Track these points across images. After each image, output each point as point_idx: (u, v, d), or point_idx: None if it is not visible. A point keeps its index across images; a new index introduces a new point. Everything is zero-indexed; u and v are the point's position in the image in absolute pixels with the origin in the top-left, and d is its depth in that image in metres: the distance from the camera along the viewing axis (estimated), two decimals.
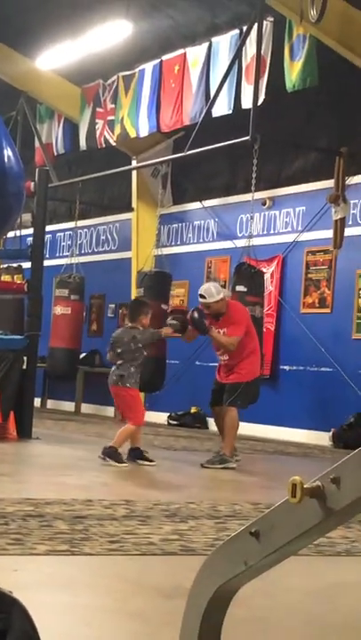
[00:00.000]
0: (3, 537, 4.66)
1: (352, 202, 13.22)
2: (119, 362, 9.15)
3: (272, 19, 12.95)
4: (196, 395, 15.32)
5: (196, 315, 9.55)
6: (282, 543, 2.17)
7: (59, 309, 16.36)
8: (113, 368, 9.32)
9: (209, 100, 13.63)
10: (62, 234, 20.05)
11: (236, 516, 5.95)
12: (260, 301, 12.62)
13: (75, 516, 5.47)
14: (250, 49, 13.13)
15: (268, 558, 2.23)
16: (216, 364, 10.10)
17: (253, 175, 12.87)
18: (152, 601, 3.80)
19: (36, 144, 18.68)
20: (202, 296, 9.58)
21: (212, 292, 9.56)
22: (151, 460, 9.16)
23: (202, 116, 13.61)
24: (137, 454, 9.16)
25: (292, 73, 12.90)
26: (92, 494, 6.51)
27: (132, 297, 15.82)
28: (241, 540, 2.27)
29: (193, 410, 15.71)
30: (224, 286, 15.34)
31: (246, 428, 14.50)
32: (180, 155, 14.23)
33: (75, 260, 17.03)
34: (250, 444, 12.78)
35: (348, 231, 13.14)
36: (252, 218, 13.63)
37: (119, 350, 9.16)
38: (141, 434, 9.55)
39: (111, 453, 8.81)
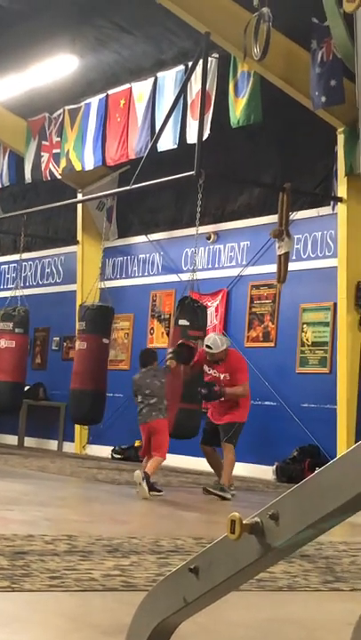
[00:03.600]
0: None
1: (296, 236, 13.35)
2: (152, 401, 9.86)
3: (217, 55, 13.09)
4: (139, 429, 15.26)
5: (205, 391, 10.45)
6: (221, 579, 2.18)
7: (3, 342, 16.24)
8: (144, 409, 9.93)
9: (154, 135, 13.70)
10: (7, 266, 19.97)
11: (178, 551, 5.93)
12: (203, 335, 12.64)
13: (15, 551, 5.41)
14: (195, 84, 13.24)
15: (207, 594, 2.23)
16: None
17: (198, 209, 12.95)
18: (92, 638, 3.76)
19: None
20: (209, 347, 10.48)
21: (218, 343, 10.49)
22: (160, 490, 9.77)
23: (147, 150, 13.68)
24: (150, 487, 9.58)
25: (237, 109, 13.03)
26: (34, 529, 6.44)
27: (77, 330, 15.80)
28: (180, 576, 2.27)
29: (137, 443, 15.64)
30: (168, 319, 15.41)
31: (188, 462, 14.50)
32: (125, 188, 14.27)
33: (19, 292, 16.95)
34: (193, 478, 12.77)
35: (292, 266, 13.24)
36: (196, 252, 13.70)
37: (147, 392, 9.89)
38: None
39: (147, 480, 9.43)
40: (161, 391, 9.92)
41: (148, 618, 2.35)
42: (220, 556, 2.19)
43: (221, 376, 10.51)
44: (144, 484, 9.34)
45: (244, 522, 2.08)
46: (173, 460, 14.65)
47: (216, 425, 10.50)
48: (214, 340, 10.61)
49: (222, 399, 10.46)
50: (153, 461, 9.74)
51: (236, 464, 13.10)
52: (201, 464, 14.21)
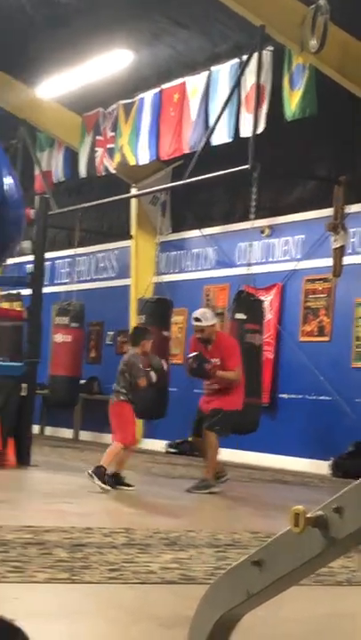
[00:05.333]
0: (3, 565, 4.65)
1: (351, 230, 13.26)
2: (115, 383, 9.35)
3: (272, 48, 13.04)
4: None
5: (195, 365, 9.75)
6: (284, 573, 2.18)
7: (59, 337, 16.36)
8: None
9: (208, 129, 13.70)
10: (61, 261, 20.08)
11: (235, 545, 5.94)
12: (260, 329, 12.64)
13: (74, 543, 5.46)
14: (249, 78, 13.21)
15: (270, 588, 2.23)
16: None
17: (253, 203, 12.93)
18: (152, 630, 3.79)
19: (36, 172, 18.75)
20: (197, 319, 9.85)
21: (207, 316, 9.88)
22: (130, 485, 9.17)
23: (201, 144, 13.67)
24: (116, 481, 9.12)
25: (292, 102, 12.98)
26: (92, 522, 6.50)
27: (131, 324, 15.85)
28: (243, 569, 2.28)
29: (190, 438, 15.66)
30: (223, 314, 15.40)
31: (244, 456, 14.50)
32: (179, 182, 14.28)
33: (74, 287, 17.06)
34: (248, 473, 12.76)
35: (347, 259, 13.19)
36: (250, 246, 13.68)
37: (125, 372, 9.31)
38: (128, 458, 9.54)
39: (98, 473, 8.85)
40: (120, 377, 9.22)
41: (211, 610, 2.36)
42: (283, 550, 2.19)
43: (212, 360, 9.74)
44: (96, 481, 8.77)
45: (307, 515, 2.09)
46: (229, 455, 14.68)
47: (205, 414, 9.82)
48: (203, 312, 10.05)
49: (211, 382, 9.81)
50: (108, 450, 9.15)
51: (291, 458, 13.08)
52: (255, 458, 14.22)
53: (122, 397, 9.20)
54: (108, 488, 8.81)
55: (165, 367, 9.44)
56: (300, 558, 2.13)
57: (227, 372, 9.74)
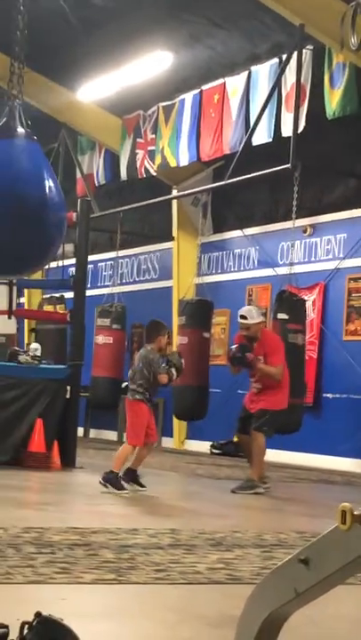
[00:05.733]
0: (50, 566, 4.68)
1: None
2: (130, 381, 9.13)
3: (312, 47, 13.01)
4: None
5: (238, 354, 9.66)
6: (332, 570, 2.18)
7: (101, 339, 16.43)
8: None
9: (249, 129, 13.69)
10: (104, 264, 20.16)
11: (282, 545, 5.93)
12: (302, 329, 12.61)
13: (120, 545, 5.48)
14: (289, 77, 13.19)
15: (318, 586, 2.23)
16: None
17: (294, 203, 12.90)
18: (200, 630, 3.80)
19: (78, 175, 18.84)
20: (243, 317, 9.81)
21: (253, 313, 9.86)
22: (143, 486, 8.93)
23: (242, 144, 13.66)
24: (131, 476, 8.90)
25: (333, 101, 12.93)
26: (137, 523, 6.52)
27: (174, 325, 15.88)
28: (291, 567, 2.28)
29: (235, 438, 15.65)
30: (265, 314, 15.36)
31: (289, 457, 14.46)
32: (220, 183, 14.28)
33: (116, 289, 17.11)
34: (293, 473, 12.72)
35: None
36: (293, 245, 13.64)
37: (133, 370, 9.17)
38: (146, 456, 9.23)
39: (110, 479, 8.61)
40: (136, 374, 8.97)
41: (258, 608, 2.36)
42: (330, 547, 2.19)
43: (260, 359, 9.71)
44: (111, 489, 8.51)
45: (355, 512, 2.08)
46: (273, 455, 14.63)
47: (249, 412, 9.77)
48: (249, 309, 10.05)
49: (256, 380, 9.75)
50: (118, 453, 8.90)
51: (337, 458, 13.02)
52: (300, 458, 14.17)
53: (137, 396, 8.90)
54: (127, 492, 8.60)
55: (183, 363, 9.29)
56: (347, 556, 2.13)
57: (268, 366, 9.67)
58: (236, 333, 10.51)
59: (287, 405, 9.92)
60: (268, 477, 10.02)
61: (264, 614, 2.33)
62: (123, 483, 8.65)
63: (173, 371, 8.98)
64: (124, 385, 16.93)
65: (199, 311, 14.65)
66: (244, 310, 10.01)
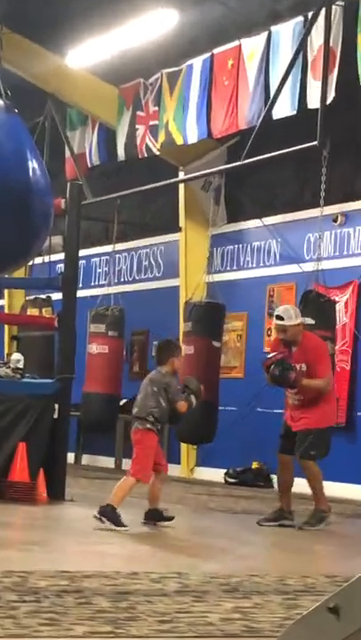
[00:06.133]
0: (34, 616, 4.69)
1: None
2: (135, 409, 9.32)
3: (342, 2, 13.02)
4: (257, 447, 15.27)
5: (277, 372, 9.74)
6: None
7: (95, 348, 16.46)
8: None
9: (269, 100, 13.70)
10: (98, 259, 20.19)
11: (309, 592, 5.93)
12: (332, 336, 12.62)
13: (118, 591, 5.49)
14: (316, 39, 13.19)
15: (349, 638, 2.24)
16: (282, 410, 10.17)
17: (323, 187, 12.91)
18: None
19: (67, 154, 18.88)
20: (279, 317, 9.92)
21: (290, 313, 9.94)
22: (170, 518, 9.18)
23: (261, 118, 13.68)
24: (155, 516, 9.19)
25: None
26: (138, 566, 6.53)
27: (181, 332, 15.90)
28: (318, 617, 2.29)
29: (255, 465, 15.69)
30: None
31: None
32: (235, 164, 14.30)
33: (113, 289, 17.14)
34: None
35: None
36: (321, 237, 13.65)
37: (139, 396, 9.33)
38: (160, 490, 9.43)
39: (108, 513, 8.69)
40: (148, 400, 9.13)
41: None
42: None
43: (297, 366, 9.81)
44: (108, 524, 8.60)
45: None
46: (297, 485, 14.63)
47: (292, 431, 9.86)
48: (286, 309, 10.11)
49: (296, 392, 9.83)
50: (118, 486, 9.00)
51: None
52: (332, 488, 14.16)
53: (148, 426, 9.06)
54: (126, 528, 8.66)
55: (202, 389, 9.49)
56: None
57: (314, 380, 9.77)
58: (273, 337, 10.51)
59: (335, 420, 10.12)
60: (293, 516, 10.05)
61: None
62: (122, 520, 8.70)
63: (193, 398, 9.20)
64: (122, 402, 17.03)
65: (208, 316, 14.69)
66: (280, 310, 10.12)
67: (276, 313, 10.11)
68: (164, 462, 9.48)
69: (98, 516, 8.67)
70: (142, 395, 9.24)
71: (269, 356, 10.10)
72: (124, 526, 8.65)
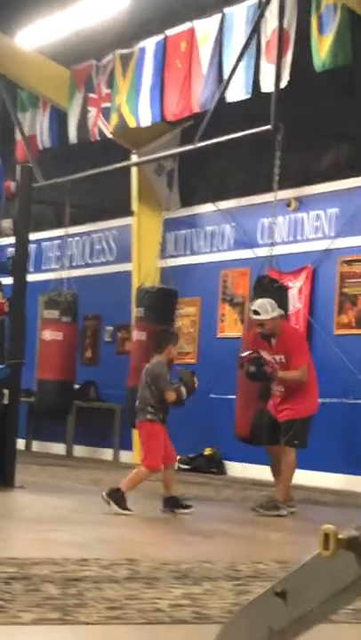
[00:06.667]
0: None
1: None
2: (137, 401, 9.67)
3: None
4: (210, 433, 15.31)
5: (253, 369, 10.05)
6: (313, 604, 2.19)
7: (48, 334, 16.39)
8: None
9: (222, 83, 13.69)
10: (49, 243, 20.10)
11: (259, 577, 5.95)
12: (286, 321, 12.63)
13: (67, 578, 5.47)
14: (270, 21, 13.20)
15: (297, 623, 2.24)
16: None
17: (276, 171, 12.92)
18: None
19: (17, 137, 18.77)
20: (256, 312, 10.11)
21: (267, 308, 10.10)
22: (189, 506, 9.62)
23: (214, 101, 13.66)
24: (173, 503, 9.57)
25: (321, 50, 12.96)
26: (88, 552, 6.51)
27: (134, 317, 15.87)
28: (265, 601, 2.29)
29: (207, 451, 15.71)
30: (242, 304, 15.41)
31: (270, 473, 14.49)
32: (188, 148, 14.28)
33: (65, 273, 17.07)
34: (274, 492, 12.75)
35: None
36: (275, 222, 13.67)
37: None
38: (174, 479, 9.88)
39: (116, 497, 9.04)
40: (145, 391, 9.47)
41: None
42: (311, 577, 2.20)
43: (277, 357, 10.09)
44: (113, 507, 8.99)
45: (339, 536, 2.10)
46: (251, 472, 14.68)
47: (277, 421, 10.17)
48: (262, 303, 10.22)
49: (277, 383, 10.12)
50: (133, 474, 9.43)
51: (325, 474, 13.11)
52: None
53: (148, 416, 9.41)
54: (131, 512, 9.04)
55: (197, 384, 9.70)
56: (331, 587, 2.14)
57: (290, 372, 10.03)
58: (251, 331, 10.76)
59: (317, 408, 10.36)
60: (293, 500, 10.41)
61: None
62: (129, 507, 9.09)
63: (183, 389, 9.42)
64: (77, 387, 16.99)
65: (161, 302, 14.67)
66: (256, 305, 10.27)
67: (252, 308, 10.27)
68: (174, 452, 9.89)
69: (105, 497, 9.04)
70: (141, 386, 9.58)
71: (243, 354, 10.34)
72: (129, 510, 8.98)
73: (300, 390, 10.10)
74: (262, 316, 10.04)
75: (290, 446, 10.04)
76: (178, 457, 15.93)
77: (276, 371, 10.00)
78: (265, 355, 10.14)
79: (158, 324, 14.12)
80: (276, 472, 10.40)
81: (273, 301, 10.50)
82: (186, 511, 9.53)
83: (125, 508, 8.99)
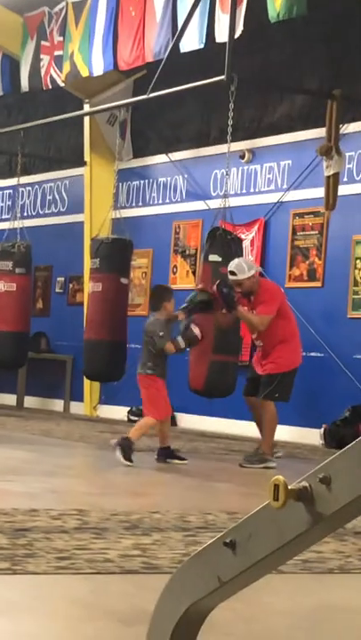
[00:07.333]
0: None
1: (348, 154, 13.24)
2: (141, 354, 10.13)
3: None
4: None
5: (225, 289, 10.29)
6: (262, 555, 2.19)
7: (1, 285, 16.26)
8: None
9: (176, 32, 13.58)
10: (1, 193, 19.95)
11: (209, 528, 5.98)
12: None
13: (16, 528, 5.48)
14: None
15: (245, 573, 2.24)
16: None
17: (230, 122, 12.85)
18: (108, 627, 3.82)
19: None
20: (232, 272, 10.41)
21: (243, 267, 10.44)
22: (183, 459, 9.99)
23: (168, 51, 13.55)
24: (167, 453, 9.92)
25: (276, 1, 12.87)
26: (38, 503, 6.52)
27: (86, 268, 15.80)
28: (214, 551, 2.29)
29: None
30: (194, 256, 15.40)
31: (221, 425, 14.57)
32: (141, 98, 14.17)
33: (17, 224, 16.94)
34: (225, 444, 12.83)
35: (343, 189, 13.17)
36: (227, 174, 13.62)
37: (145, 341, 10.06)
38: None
39: (124, 445, 9.43)
40: (143, 349, 10.01)
41: (175, 601, 2.37)
42: (260, 528, 2.20)
43: (247, 309, 10.52)
44: (118, 453, 9.43)
45: (289, 487, 2.09)
46: (202, 423, 14.74)
47: (258, 375, 10.52)
48: (238, 264, 10.55)
49: (256, 337, 10.53)
50: (139, 423, 9.97)
51: (279, 427, 13.16)
52: (235, 427, 14.28)
53: (149, 371, 9.85)
54: (130, 464, 9.37)
55: (199, 335, 10.09)
56: (280, 538, 2.14)
57: (251, 314, 10.35)
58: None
59: (299, 362, 10.64)
60: (276, 446, 10.78)
61: (182, 608, 2.34)
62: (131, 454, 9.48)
63: (180, 339, 9.90)
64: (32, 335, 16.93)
65: (116, 252, 14.57)
66: (232, 265, 10.52)
67: (228, 268, 10.51)
68: (169, 408, 10.19)
69: (115, 445, 9.46)
70: (143, 342, 10.04)
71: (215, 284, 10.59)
72: (131, 462, 9.36)
73: (280, 344, 10.40)
74: (239, 276, 10.35)
75: (269, 400, 10.29)
76: (129, 408, 16.00)
77: (239, 305, 10.32)
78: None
79: (114, 275, 14.08)
80: (258, 423, 10.70)
81: (249, 261, 10.95)
82: (180, 462, 9.89)
83: (129, 459, 9.37)
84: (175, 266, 16.20)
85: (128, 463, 9.37)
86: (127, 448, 9.44)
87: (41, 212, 18.99)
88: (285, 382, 10.42)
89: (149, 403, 9.93)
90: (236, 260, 10.73)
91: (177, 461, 9.91)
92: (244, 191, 15.05)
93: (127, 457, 9.39)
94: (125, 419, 15.89)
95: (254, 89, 14.23)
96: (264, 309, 10.37)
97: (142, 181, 16.97)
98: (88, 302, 14.76)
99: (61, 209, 18.63)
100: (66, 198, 18.54)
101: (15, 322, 16.12)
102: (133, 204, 17.03)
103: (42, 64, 16.80)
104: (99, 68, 15.60)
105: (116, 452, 9.41)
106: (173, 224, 16.26)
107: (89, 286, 14.75)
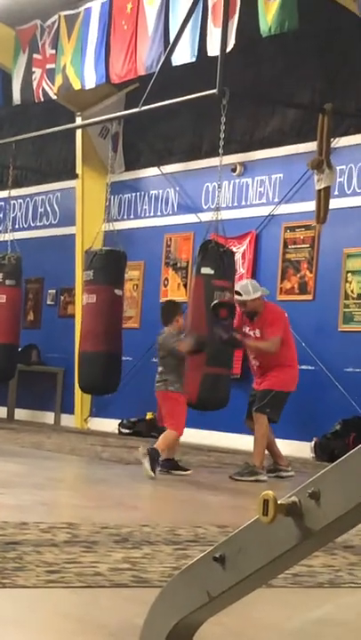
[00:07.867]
0: None
1: (339, 168, 13.27)
2: (159, 369, 10.30)
3: None
4: (152, 398, 15.26)
5: (225, 336, 10.41)
6: (251, 570, 2.19)
7: None
8: (156, 375, 10.40)
9: (168, 46, 13.61)
10: None
11: (199, 542, 5.98)
12: (230, 286, 12.60)
13: (6, 541, 5.47)
14: None
15: (235, 588, 2.24)
16: None
17: (221, 136, 12.87)
18: None
19: None
20: (238, 293, 10.65)
21: (248, 289, 10.66)
22: (187, 469, 10.20)
23: (160, 64, 13.59)
24: (171, 465, 10.11)
25: (268, 14, 12.90)
26: (28, 516, 6.51)
27: (77, 280, 15.81)
28: (203, 566, 2.29)
29: (149, 416, 15.71)
30: (185, 269, 15.41)
31: (212, 438, 14.56)
32: (133, 111, 14.19)
33: (8, 236, 16.94)
34: (216, 457, 12.83)
35: (334, 203, 13.20)
36: (219, 187, 13.64)
37: (160, 356, 10.33)
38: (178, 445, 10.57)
39: (153, 455, 9.50)
40: (166, 360, 10.15)
41: (165, 616, 2.37)
42: (250, 543, 2.20)
43: (256, 332, 10.64)
44: (145, 463, 9.48)
45: (279, 502, 2.09)
46: (194, 436, 14.74)
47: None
48: (245, 285, 10.87)
49: (254, 357, 10.65)
50: (163, 435, 10.01)
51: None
52: (227, 440, 14.28)
53: (170, 387, 10.09)
54: (153, 476, 9.44)
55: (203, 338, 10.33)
56: (269, 553, 2.14)
57: (260, 341, 10.52)
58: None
59: (294, 387, 10.77)
60: (287, 461, 10.90)
61: (172, 622, 2.34)
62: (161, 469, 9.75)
63: (193, 340, 10.09)
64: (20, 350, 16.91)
65: (110, 264, 14.57)
66: (238, 286, 10.84)
67: (235, 289, 10.80)
68: None
69: (144, 453, 9.52)
70: (158, 359, 10.34)
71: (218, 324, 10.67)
72: (154, 474, 9.42)
73: (276, 365, 10.51)
74: (244, 297, 10.56)
75: (261, 413, 10.35)
76: (120, 421, 15.99)
77: (248, 337, 10.54)
78: (246, 329, 10.67)
79: (108, 287, 14.07)
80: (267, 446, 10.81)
81: (255, 282, 11.12)
82: (183, 473, 10.05)
83: (153, 470, 9.44)
84: (166, 278, 16.21)
85: (152, 475, 9.44)
86: (154, 460, 9.52)
87: (32, 225, 19.00)
88: (278, 399, 10.48)
89: (171, 417, 10.09)
90: (243, 281, 11.13)
91: (180, 472, 10.06)
92: (235, 204, 15.08)
93: (153, 468, 9.47)
94: (117, 431, 15.89)
95: (246, 102, 14.26)
96: (271, 331, 10.57)
97: (134, 194, 16.99)
98: (82, 314, 14.74)
99: (53, 221, 18.64)
100: (57, 211, 18.55)
101: (5, 334, 16.11)
102: (125, 217, 17.05)
103: (34, 77, 16.81)
104: (91, 81, 15.62)
105: (144, 462, 9.46)
106: (165, 237, 16.27)
107: (83, 298, 14.74)
